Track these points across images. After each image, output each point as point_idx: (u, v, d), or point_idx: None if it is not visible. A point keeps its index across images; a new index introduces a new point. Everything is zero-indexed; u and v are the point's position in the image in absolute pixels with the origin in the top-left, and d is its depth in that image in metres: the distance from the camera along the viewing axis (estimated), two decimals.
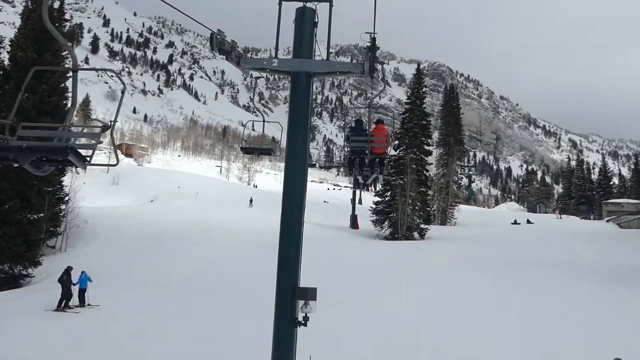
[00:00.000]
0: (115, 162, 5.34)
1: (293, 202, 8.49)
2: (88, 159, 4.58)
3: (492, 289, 23.08)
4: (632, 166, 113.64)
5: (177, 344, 14.98)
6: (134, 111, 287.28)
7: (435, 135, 78.35)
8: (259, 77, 10.10)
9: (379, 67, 9.46)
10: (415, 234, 46.62)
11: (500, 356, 14.55)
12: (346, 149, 9.92)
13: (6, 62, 27.01)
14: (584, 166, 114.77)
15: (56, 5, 30.46)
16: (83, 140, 5.58)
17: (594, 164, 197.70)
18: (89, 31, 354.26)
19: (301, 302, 7.07)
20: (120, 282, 22.95)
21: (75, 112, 5.43)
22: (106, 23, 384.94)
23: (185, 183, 79.89)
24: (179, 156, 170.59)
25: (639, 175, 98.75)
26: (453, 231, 51.59)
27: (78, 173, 76.60)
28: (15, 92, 24.76)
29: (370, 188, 24.48)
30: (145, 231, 37.72)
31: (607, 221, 65.74)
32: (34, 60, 25.55)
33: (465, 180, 75.72)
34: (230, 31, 10.39)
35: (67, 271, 19.30)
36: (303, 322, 6.95)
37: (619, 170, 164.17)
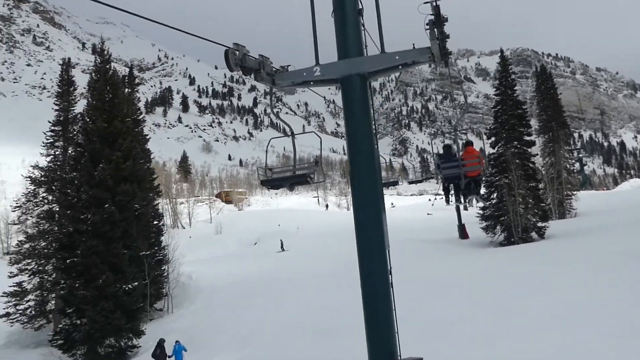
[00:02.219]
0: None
1: (370, 242, 6.49)
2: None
3: None
4: None
5: None
6: (229, 158, 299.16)
7: (534, 123, 72.67)
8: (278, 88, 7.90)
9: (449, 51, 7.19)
10: (534, 235, 42.16)
11: None
12: (439, 177, 9.20)
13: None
14: None
15: (122, 70, 31.00)
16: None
17: None
18: (177, 92, 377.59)
19: None
20: (220, 340, 21.77)
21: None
22: (192, 81, 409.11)
23: (285, 220, 79.93)
24: (275, 194, 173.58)
25: None
26: (575, 224, 46.30)
27: (184, 228, 79.24)
28: (91, 164, 25.08)
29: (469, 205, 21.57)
30: (250, 278, 36.94)
31: None
32: (104, 129, 25.81)
33: (576, 165, 69.06)
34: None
35: (160, 344, 18.38)
36: None
37: None
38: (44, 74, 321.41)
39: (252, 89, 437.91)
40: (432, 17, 6.32)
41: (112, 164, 25.61)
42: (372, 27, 7.56)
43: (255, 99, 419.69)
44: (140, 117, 35.97)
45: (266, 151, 9.61)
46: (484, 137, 56.06)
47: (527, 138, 51.60)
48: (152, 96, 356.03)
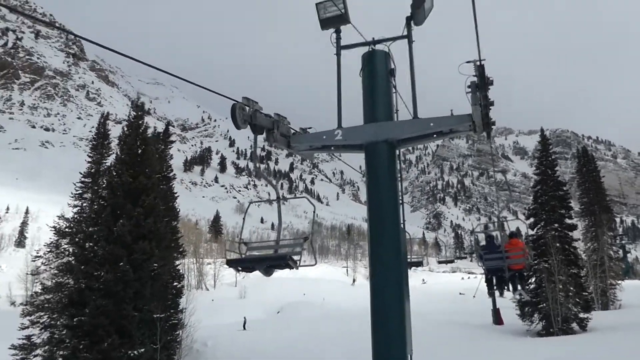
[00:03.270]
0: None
1: (389, 338, 5.41)
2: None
3: None
4: None
5: None
6: (262, 221, 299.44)
7: (574, 205, 69.94)
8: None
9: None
10: (575, 326, 39.12)
11: None
12: (482, 268, 8.68)
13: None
14: None
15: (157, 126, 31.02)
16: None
17: None
18: (217, 152, 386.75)
19: None
20: None
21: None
22: (232, 143, 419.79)
23: (311, 289, 77.89)
24: (304, 261, 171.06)
25: None
26: (620, 317, 42.91)
27: (208, 290, 77.81)
28: (112, 219, 24.45)
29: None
30: (269, 350, 35.01)
31: None
32: (129, 184, 25.37)
33: (620, 252, 65.48)
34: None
35: None
36: None
37: None
38: (92, 127, 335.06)
39: (290, 154, 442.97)
40: (475, 78, 5.30)
41: (132, 220, 24.96)
42: (405, 89, 6.59)
43: (292, 164, 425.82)
44: (171, 174, 35.85)
45: (243, 219, 7.95)
46: (523, 217, 53.93)
47: (569, 221, 49.13)
48: (192, 155, 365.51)
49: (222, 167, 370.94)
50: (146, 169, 26.55)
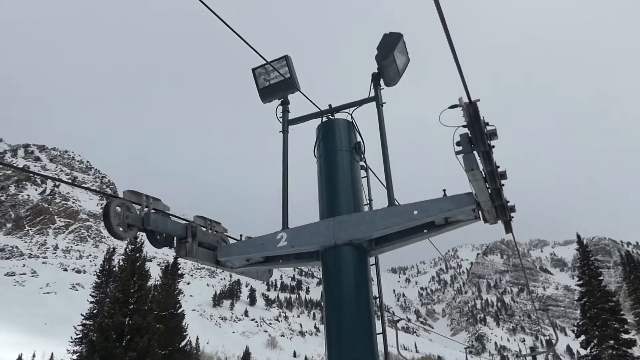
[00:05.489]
0: None
1: None
2: None
3: None
4: None
5: None
6: (294, 355, 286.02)
7: (625, 316, 63.99)
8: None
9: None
10: None
11: None
12: None
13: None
14: None
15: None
16: None
17: None
18: (246, 285, 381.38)
19: None
20: None
21: None
22: None
23: None
24: None
25: None
26: None
27: None
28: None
29: None
30: None
31: None
32: (120, 325, 22.92)
33: None
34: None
35: None
36: None
37: None
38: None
39: (320, 282, 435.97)
40: (466, 129, 3.43)
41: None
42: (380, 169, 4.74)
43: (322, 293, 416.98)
44: (180, 310, 33.27)
45: None
46: (573, 335, 48.94)
47: (625, 336, 44.17)
48: (221, 289, 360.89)
49: (252, 300, 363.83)
50: (142, 306, 24.34)
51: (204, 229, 4.37)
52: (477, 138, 3.21)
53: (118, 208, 3.68)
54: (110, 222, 3.55)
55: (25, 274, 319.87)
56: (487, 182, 3.46)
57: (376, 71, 4.64)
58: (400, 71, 4.71)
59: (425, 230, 3.96)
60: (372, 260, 4.28)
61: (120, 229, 3.67)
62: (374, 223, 3.88)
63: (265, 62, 4.74)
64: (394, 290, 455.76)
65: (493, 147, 3.32)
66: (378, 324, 4.09)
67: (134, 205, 3.81)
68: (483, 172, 3.37)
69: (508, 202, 3.81)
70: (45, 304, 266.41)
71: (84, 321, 29.79)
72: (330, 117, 4.64)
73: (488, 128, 3.23)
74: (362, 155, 4.46)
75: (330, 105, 4.69)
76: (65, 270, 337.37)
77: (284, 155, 4.65)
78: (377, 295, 4.56)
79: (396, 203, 4.06)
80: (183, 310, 34.37)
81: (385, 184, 4.12)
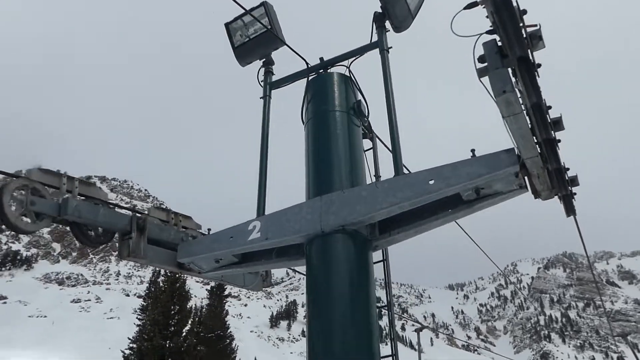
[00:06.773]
0: None
1: None
2: None
3: None
4: None
5: None
6: None
7: None
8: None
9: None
10: None
11: None
12: None
13: None
14: None
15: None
16: None
17: None
18: (302, 305, 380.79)
19: None
20: None
21: None
22: None
23: None
24: None
25: None
26: None
27: None
28: None
29: None
30: None
31: None
32: (160, 348, 22.35)
33: None
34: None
35: None
36: None
37: None
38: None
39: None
40: (493, 36, 2.29)
41: None
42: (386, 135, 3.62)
43: (379, 311, 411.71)
44: (228, 332, 32.50)
45: None
46: None
47: None
48: (277, 310, 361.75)
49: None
50: (182, 329, 23.69)
51: (162, 223, 3.36)
52: (510, 41, 2.07)
53: (20, 192, 2.71)
54: (3, 210, 2.58)
55: (90, 300, 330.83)
56: (534, 124, 2.28)
57: (379, 10, 3.55)
58: (413, 10, 3.59)
59: (449, 210, 2.76)
60: (377, 255, 3.14)
61: (23, 219, 2.69)
62: (374, 200, 2.69)
63: (244, 11, 3.74)
64: (452, 307, 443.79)
65: (539, 66, 2.17)
66: (386, 329, 2.95)
67: (47, 189, 2.84)
68: (524, 106, 2.21)
69: (568, 169, 2.60)
70: (109, 329, 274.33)
71: (130, 344, 29.54)
72: (322, 72, 3.58)
73: (529, 29, 2.10)
74: (366, 119, 3.34)
75: (322, 59, 3.62)
76: (127, 295, 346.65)
77: (263, 124, 3.58)
78: (386, 303, 3.39)
79: (407, 171, 2.92)
80: (231, 332, 33.64)
81: (390, 148, 2.99)
